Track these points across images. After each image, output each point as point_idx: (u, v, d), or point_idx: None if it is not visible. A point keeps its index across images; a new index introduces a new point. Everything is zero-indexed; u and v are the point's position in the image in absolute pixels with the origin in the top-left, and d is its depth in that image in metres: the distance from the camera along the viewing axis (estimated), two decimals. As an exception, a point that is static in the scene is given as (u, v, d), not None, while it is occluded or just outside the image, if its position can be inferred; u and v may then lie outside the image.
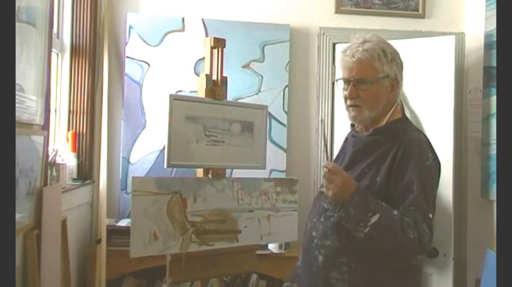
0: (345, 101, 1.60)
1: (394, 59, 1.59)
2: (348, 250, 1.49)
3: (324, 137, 2.23)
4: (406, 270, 1.50)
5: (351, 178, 1.51)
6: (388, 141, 1.53)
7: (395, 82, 1.58)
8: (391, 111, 1.60)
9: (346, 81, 1.58)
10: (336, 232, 1.50)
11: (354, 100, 1.56)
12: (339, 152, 1.74)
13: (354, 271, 1.48)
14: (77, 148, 2.93)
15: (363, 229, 1.42)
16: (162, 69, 3.15)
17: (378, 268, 1.48)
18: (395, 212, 1.44)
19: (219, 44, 2.40)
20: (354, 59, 1.55)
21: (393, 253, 1.45)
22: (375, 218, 1.41)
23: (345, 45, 1.63)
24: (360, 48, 1.55)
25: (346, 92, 1.58)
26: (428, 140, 1.59)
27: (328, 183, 1.48)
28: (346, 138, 1.77)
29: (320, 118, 3.16)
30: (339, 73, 1.64)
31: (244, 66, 3.21)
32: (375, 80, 1.54)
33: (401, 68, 1.62)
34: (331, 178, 1.47)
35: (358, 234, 1.44)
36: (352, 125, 1.71)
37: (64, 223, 2.38)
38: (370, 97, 1.55)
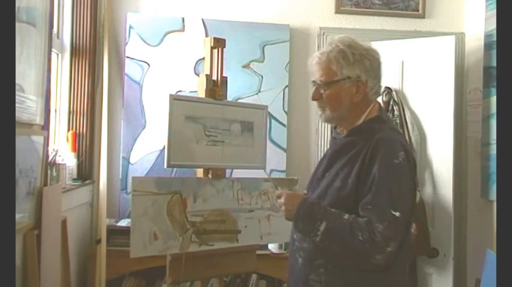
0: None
1: (358, 61, 1.58)
2: (323, 252, 1.52)
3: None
4: (385, 271, 1.48)
5: (298, 194, 1.65)
6: (361, 141, 1.54)
7: (360, 83, 1.58)
8: (367, 111, 1.60)
9: (313, 83, 1.65)
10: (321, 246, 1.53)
11: (318, 101, 1.62)
12: (323, 156, 1.77)
13: (331, 272, 1.51)
14: (77, 148, 2.93)
15: (315, 238, 1.49)
16: (162, 69, 3.15)
17: (353, 269, 1.49)
18: (346, 216, 1.46)
19: (219, 44, 2.40)
20: (315, 62, 1.61)
21: (349, 256, 1.47)
22: (322, 227, 1.47)
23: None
24: (323, 51, 1.62)
25: None
26: (403, 139, 1.61)
27: (280, 207, 1.62)
28: (331, 141, 1.82)
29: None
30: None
31: (244, 66, 3.21)
32: (333, 82, 1.57)
33: (371, 69, 1.60)
34: (280, 202, 1.62)
35: (316, 242, 1.51)
36: (335, 127, 1.74)
37: (64, 223, 2.38)
38: (330, 98, 1.58)
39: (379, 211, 1.41)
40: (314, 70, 1.61)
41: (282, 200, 1.61)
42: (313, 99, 1.62)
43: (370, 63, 1.59)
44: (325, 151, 1.83)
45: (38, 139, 2.02)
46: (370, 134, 1.53)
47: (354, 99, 1.58)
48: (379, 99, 2.96)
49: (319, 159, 3.20)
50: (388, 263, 1.43)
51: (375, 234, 1.39)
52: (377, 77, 1.61)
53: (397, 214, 1.41)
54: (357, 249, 1.42)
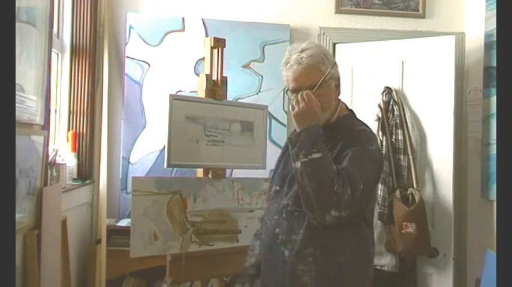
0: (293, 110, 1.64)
1: (333, 61, 1.65)
2: (312, 240, 1.54)
3: None
4: (362, 252, 1.58)
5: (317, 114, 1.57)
6: (338, 136, 1.59)
7: (338, 81, 1.66)
8: (338, 109, 1.67)
9: (298, 89, 1.61)
10: (302, 225, 1.55)
11: None
12: (287, 153, 1.72)
13: (319, 259, 1.54)
14: (77, 148, 2.93)
15: (302, 158, 1.50)
16: (162, 69, 3.15)
17: (338, 255, 1.54)
18: (335, 167, 1.51)
19: (219, 44, 2.41)
20: (301, 66, 1.59)
21: (312, 198, 1.49)
22: (317, 155, 1.49)
23: (284, 58, 1.69)
24: (304, 55, 1.60)
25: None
26: (375, 135, 1.68)
27: (300, 101, 1.55)
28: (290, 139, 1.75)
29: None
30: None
31: (244, 66, 3.21)
32: (324, 82, 1.60)
33: (338, 69, 1.68)
34: (304, 98, 1.55)
35: (296, 163, 1.52)
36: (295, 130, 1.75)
37: (64, 223, 2.38)
38: (324, 100, 1.60)
39: (352, 179, 1.48)
40: (300, 75, 1.60)
41: (308, 103, 1.54)
42: None
43: (336, 64, 1.66)
44: (282, 150, 1.80)
45: (38, 139, 2.02)
46: (344, 130, 1.60)
47: (336, 97, 1.66)
48: (380, 99, 3.00)
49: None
50: (333, 225, 1.48)
51: (343, 194, 1.45)
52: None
53: (362, 188, 1.48)
54: (325, 195, 1.46)
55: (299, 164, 1.50)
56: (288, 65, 1.64)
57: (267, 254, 1.66)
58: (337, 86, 1.65)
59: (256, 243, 1.80)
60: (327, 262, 1.54)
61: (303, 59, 1.59)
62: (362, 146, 1.55)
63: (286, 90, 1.68)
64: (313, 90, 1.57)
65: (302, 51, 1.61)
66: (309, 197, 1.49)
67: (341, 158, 1.53)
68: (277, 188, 1.68)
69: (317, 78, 1.58)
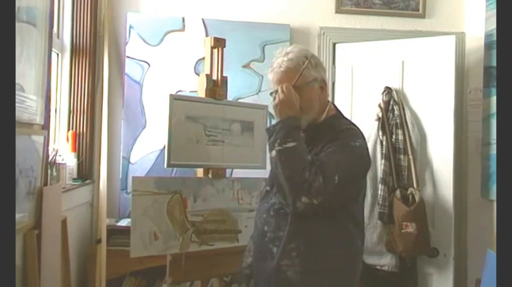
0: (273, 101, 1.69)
1: (317, 64, 1.69)
2: (295, 235, 1.57)
3: None
4: (346, 245, 1.60)
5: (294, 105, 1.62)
6: (323, 136, 1.62)
7: (324, 84, 1.69)
8: (326, 111, 1.70)
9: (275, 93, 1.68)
10: (287, 221, 1.58)
11: None
12: None
13: (303, 254, 1.56)
14: (77, 148, 2.93)
15: (277, 147, 1.54)
16: (162, 69, 3.15)
17: (322, 250, 1.57)
18: (309, 157, 1.54)
19: (219, 44, 2.41)
20: (282, 69, 1.65)
21: (287, 183, 1.51)
22: (291, 144, 1.53)
23: (273, 57, 1.74)
24: (285, 58, 1.66)
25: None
26: (361, 132, 1.69)
27: (280, 93, 1.62)
28: None
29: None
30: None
31: (244, 66, 3.21)
32: (305, 84, 1.64)
33: (325, 72, 1.73)
34: (284, 90, 1.61)
35: (271, 152, 1.56)
36: None
37: (64, 222, 2.38)
38: (305, 102, 1.64)
39: (324, 168, 1.49)
40: (281, 77, 1.66)
41: (287, 95, 1.60)
42: None
43: (323, 67, 1.72)
44: None
45: (38, 139, 2.02)
46: (331, 129, 1.63)
47: (321, 100, 1.68)
48: (380, 99, 3.00)
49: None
50: (305, 212, 1.51)
51: (314, 181, 1.47)
52: (327, 80, 1.73)
53: (338, 180, 1.49)
54: (296, 182, 1.49)
55: (274, 153, 1.55)
56: (271, 68, 1.70)
57: (257, 253, 1.70)
58: (323, 88, 1.68)
59: (252, 243, 1.82)
60: (311, 256, 1.56)
61: (284, 63, 1.65)
62: (343, 142, 1.57)
63: (270, 93, 1.73)
64: (293, 84, 1.63)
65: (285, 55, 1.67)
66: (282, 184, 1.52)
67: (321, 153, 1.56)
68: (268, 188, 1.73)
69: (299, 79, 1.63)
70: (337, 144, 1.56)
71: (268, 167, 2.67)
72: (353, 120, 1.75)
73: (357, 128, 1.69)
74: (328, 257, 1.57)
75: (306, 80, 1.64)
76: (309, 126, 1.67)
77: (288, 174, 1.50)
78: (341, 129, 1.63)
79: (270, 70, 1.70)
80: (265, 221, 1.66)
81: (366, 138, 1.71)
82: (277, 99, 1.62)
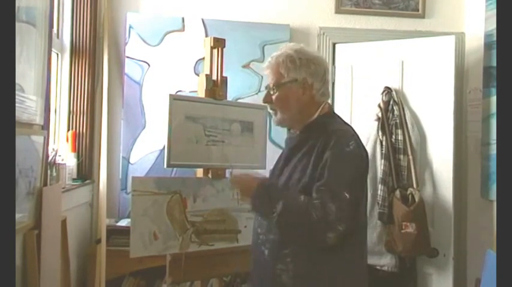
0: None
1: (304, 65, 1.67)
2: (289, 241, 1.59)
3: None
4: (342, 252, 1.57)
5: (257, 177, 1.70)
6: (315, 135, 1.63)
7: (307, 85, 1.68)
8: (318, 110, 1.70)
9: (265, 88, 1.75)
10: (278, 226, 1.60)
11: (270, 105, 1.72)
12: (279, 156, 1.84)
13: (297, 260, 1.57)
14: (77, 148, 2.93)
15: (272, 218, 1.55)
16: (162, 69, 3.15)
17: (317, 255, 1.57)
18: (302, 197, 1.54)
19: (219, 44, 2.41)
20: (266, 66, 1.72)
21: (303, 235, 1.54)
22: (279, 206, 1.53)
23: None
24: (273, 56, 1.71)
25: None
26: (355, 132, 1.69)
27: (235, 187, 1.73)
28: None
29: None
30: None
31: (244, 66, 3.21)
32: (281, 84, 1.67)
33: (317, 73, 1.69)
34: (234, 184, 1.74)
35: (271, 222, 1.58)
36: (289, 129, 1.86)
37: (64, 223, 2.38)
38: (279, 100, 1.68)
39: (331, 191, 1.50)
40: (267, 74, 1.71)
41: (238, 183, 1.70)
42: (264, 101, 1.73)
43: (315, 67, 1.69)
44: (282, 151, 1.87)
45: (38, 139, 2.02)
46: (323, 128, 1.64)
47: (301, 101, 1.68)
48: (380, 99, 3.00)
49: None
50: (339, 241, 1.50)
51: (328, 213, 1.47)
52: (323, 80, 1.70)
53: (348, 195, 1.50)
54: (312, 228, 1.50)
55: (274, 223, 1.57)
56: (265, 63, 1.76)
57: (253, 253, 1.74)
58: (305, 90, 1.67)
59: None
60: (305, 262, 1.57)
61: (269, 60, 1.71)
62: (338, 150, 1.56)
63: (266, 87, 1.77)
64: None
65: (277, 51, 1.72)
66: (303, 238, 1.55)
67: (319, 163, 1.56)
68: None
69: (275, 79, 1.68)
70: (334, 155, 1.54)
71: (268, 167, 2.68)
72: (353, 121, 1.77)
73: (349, 127, 1.70)
74: (322, 263, 1.56)
75: (282, 80, 1.66)
76: (301, 126, 1.70)
77: (300, 232, 1.53)
78: (332, 130, 1.62)
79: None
80: (259, 223, 1.69)
81: (366, 138, 1.72)
82: (239, 196, 1.73)
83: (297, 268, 1.57)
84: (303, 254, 1.57)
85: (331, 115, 1.73)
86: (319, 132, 1.63)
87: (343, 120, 1.74)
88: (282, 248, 1.59)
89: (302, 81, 1.66)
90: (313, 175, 1.56)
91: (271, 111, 1.75)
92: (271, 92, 1.69)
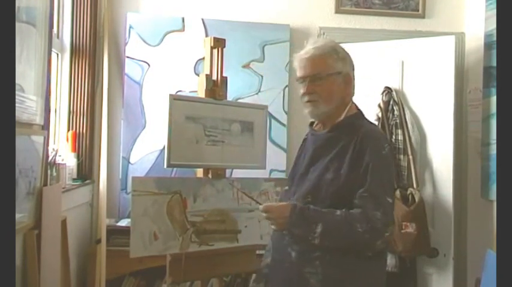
0: (302, 98, 1.68)
1: (345, 58, 1.68)
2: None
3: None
4: (372, 257, 1.57)
5: (285, 203, 1.62)
6: (347, 136, 1.62)
7: (348, 79, 1.68)
8: (347, 109, 1.68)
9: (303, 79, 1.66)
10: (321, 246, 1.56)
11: (311, 96, 1.64)
12: (299, 153, 1.81)
13: (327, 263, 1.55)
14: (77, 148, 2.93)
15: (314, 241, 1.52)
16: (162, 69, 3.15)
17: (348, 258, 1.55)
18: (338, 212, 1.52)
19: (219, 44, 2.41)
20: (308, 57, 1.65)
21: (350, 248, 1.53)
22: (319, 228, 1.51)
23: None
24: (314, 46, 1.66)
25: (302, 90, 1.67)
26: (383, 133, 1.75)
27: (270, 220, 1.61)
28: (305, 139, 1.84)
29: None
30: (297, 73, 1.70)
31: (244, 66, 3.21)
32: (328, 75, 1.63)
33: (353, 68, 1.72)
34: (267, 216, 1.61)
35: (315, 245, 1.53)
36: (311, 125, 1.80)
37: (64, 223, 2.38)
38: (325, 91, 1.63)
39: (375, 198, 1.50)
40: (305, 65, 1.65)
41: (270, 214, 1.60)
42: (307, 93, 1.65)
43: (352, 63, 1.71)
44: (300, 148, 1.84)
45: (38, 139, 2.02)
46: (353, 128, 1.62)
47: (343, 95, 1.66)
48: (380, 99, 3.00)
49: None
50: (385, 246, 1.54)
51: (374, 222, 1.48)
52: (354, 77, 1.71)
53: (390, 200, 1.53)
54: (358, 240, 1.50)
55: (317, 243, 1.52)
56: (299, 54, 1.68)
57: (275, 254, 1.68)
58: (347, 83, 1.67)
59: (271, 244, 1.81)
60: (335, 265, 1.54)
61: (310, 50, 1.64)
62: (377, 155, 1.56)
63: (296, 80, 1.71)
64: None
65: (314, 43, 1.67)
66: (350, 250, 1.53)
67: (357, 167, 1.54)
68: (287, 187, 1.73)
69: (320, 69, 1.62)
70: (374, 161, 1.54)
71: (268, 167, 2.68)
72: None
73: (377, 127, 1.71)
74: (352, 267, 1.55)
75: (329, 71, 1.62)
76: (330, 125, 1.66)
77: (346, 246, 1.52)
78: (365, 132, 1.61)
79: (297, 56, 1.69)
80: None
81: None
82: (274, 226, 1.61)
83: (326, 271, 1.54)
84: (332, 257, 1.54)
85: (360, 115, 1.71)
86: (350, 132, 1.61)
87: (370, 121, 1.74)
88: (312, 251, 1.56)
89: (344, 75, 1.65)
90: (349, 177, 1.54)
91: (308, 103, 1.66)
92: (318, 82, 1.62)
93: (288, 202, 1.63)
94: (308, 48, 1.66)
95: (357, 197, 1.52)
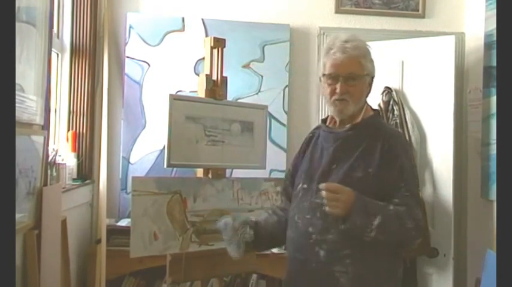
0: (330, 96, 1.65)
1: (372, 60, 1.69)
2: (351, 241, 1.53)
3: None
4: (397, 256, 1.62)
5: (348, 188, 1.52)
6: (370, 135, 1.62)
7: (371, 82, 1.70)
8: (364, 108, 1.70)
9: (335, 76, 1.62)
10: (337, 225, 1.54)
11: (343, 95, 1.61)
12: (308, 149, 1.75)
13: (357, 262, 1.54)
14: (77, 148, 2.93)
15: (369, 234, 1.49)
16: (162, 69, 3.15)
17: (376, 256, 1.55)
18: (391, 207, 1.52)
19: (219, 44, 2.40)
20: (345, 55, 1.60)
21: (398, 244, 1.58)
22: (377, 221, 1.48)
23: (326, 46, 1.69)
24: (349, 46, 1.62)
25: (335, 87, 1.63)
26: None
27: (332, 201, 1.48)
28: (313, 135, 1.80)
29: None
30: (325, 69, 1.67)
31: (244, 66, 3.21)
32: (362, 76, 1.64)
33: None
34: (335, 196, 1.49)
35: (365, 238, 1.50)
36: (323, 121, 1.77)
37: (64, 223, 2.38)
38: (357, 92, 1.63)
39: (416, 198, 1.57)
40: (341, 63, 1.61)
41: (340, 195, 1.48)
42: (341, 92, 1.61)
43: (374, 65, 1.71)
44: (308, 143, 1.78)
45: (38, 139, 2.02)
46: (375, 128, 1.64)
47: (365, 96, 1.69)
48: (380, 99, 3.00)
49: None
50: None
51: (418, 220, 1.53)
52: None
53: (421, 198, 1.63)
54: (407, 237, 1.54)
55: (369, 239, 1.50)
56: (331, 51, 1.63)
57: (297, 254, 1.64)
58: (370, 85, 1.69)
59: (272, 218, 1.81)
60: (364, 263, 1.54)
61: (348, 49, 1.61)
62: (408, 154, 1.63)
63: (323, 75, 1.67)
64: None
65: (346, 41, 1.63)
66: (392, 246, 1.57)
67: (391, 166, 1.56)
68: (305, 186, 1.66)
69: (355, 69, 1.61)
70: (408, 160, 1.60)
71: (268, 167, 2.68)
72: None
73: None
74: (380, 265, 1.56)
75: (362, 72, 1.63)
76: (349, 124, 1.65)
77: (396, 240, 1.55)
78: (389, 131, 1.67)
79: (329, 53, 1.63)
80: (309, 222, 1.60)
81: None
82: (338, 209, 1.48)
83: (356, 269, 1.53)
84: (362, 255, 1.54)
85: (379, 115, 1.76)
86: (373, 132, 1.62)
87: (387, 122, 1.79)
88: (342, 249, 1.54)
89: (372, 75, 1.68)
90: (380, 176, 1.55)
91: (337, 101, 1.62)
92: (352, 82, 1.61)
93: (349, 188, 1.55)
94: (343, 46, 1.61)
95: (399, 196, 1.53)
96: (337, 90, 1.61)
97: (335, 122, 1.72)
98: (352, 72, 1.61)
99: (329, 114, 1.77)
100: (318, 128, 1.81)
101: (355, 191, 1.50)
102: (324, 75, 1.66)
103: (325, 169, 1.63)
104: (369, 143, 1.60)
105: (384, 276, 1.57)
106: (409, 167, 1.59)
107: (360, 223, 1.48)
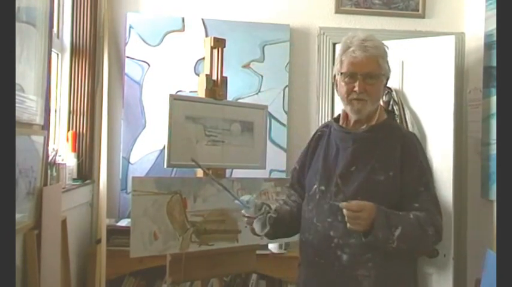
0: (347, 95, 1.62)
1: (388, 61, 1.68)
2: (371, 246, 1.52)
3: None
4: (415, 259, 1.69)
5: (368, 203, 1.50)
6: (388, 137, 1.63)
7: (387, 82, 1.69)
8: (379, 109, 1.69)
9: (353, 75, 1.60)
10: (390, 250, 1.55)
11: (362, 94, 1.59)
12: (325, 148, 1.71)
13: (379, 265, 1.54)
14: (77, 148, 2.93)
15: (391, 245, 1.50)
16: (162, 69, 3.15)
17: (397, 260, 1.57)
18: (411, 215, 1.53)
19: (219, 44, 2.41)
20: (365, 54, 1.59)
21: (420, 251, 1.68)
22: (398, 232, 1.48)
23: (343, 44, 1.67)
24: (369, 44, 1.61)
25: (353, 85, 1.60)
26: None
27: (356, 219, 1.47)
28: (322, 133, 1.76)
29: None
30: (342, 67, 1.65)
31: (244, 66, 3.21)
32: (379, 75, 1.62)
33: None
34: (358, 215, 1.47)
35: (387, 249, 1.52)
36: (336, 120, 1.74)
37: (64, 223, 2.38)
38: (375, 91, 1.62)
39: (435, 202, 1.58)
40: (360, 62, 1.59)
41: (362, 213, 1.46)
42: (360, 91, 1.59)
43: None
44: (325, 142, 1.74)
45: (38, 139, 2.02)
46: (392, 130, 1.66)
47: (381, 95, 1.71)
48: (379, 99, 2.99)
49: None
50: None
51: (438, 226, 1.54)
52: None
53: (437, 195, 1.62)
54: (428, 243, 1.57)
55: (391, 249, 1.51)
56: (351, 49, 1.62)
57: (317, 258, 1.62)
58: (385, 85, 1.69)
59: (284, 207, 1.81)
60: (386, 267, 1.54)
61: (368, 48, 1.60)
62: (425, 157, 1.66)
63: (340, 73, 1.64)
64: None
65: (365, 40, 1.63)
66: (414, 252, 1.64)
67: (412, 169, 1.58)
68: (322, 187, 1.63)
69: (373, 69, 1.60)
70: (427, 164, 1.64)
71: (268, 167, 2.68)
72: (353, 121, 1.75)
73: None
74: (402, 269, 1.59)
75: (380, 71, 1.62)
76: (365, 124, 1.65)
77: (418, 248, 1.60)
78: (406, 134, 1.70)
79: (348, 50, 1.62)
80: (330, 226, 1.58)
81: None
82: (361, 227, 1.47)
83: (379, 273, 1.53)
84: (384, 258, 1.54)
85: (393, 118, 1.80)
86: (390, 134, 1.63)
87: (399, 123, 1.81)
88: (364, 253, 1.53)
89: (386, 76, 1.67)
90: (402, 179, 1.56)
91: (355, 100, 1.61)
92: (371, 81, 1.59)
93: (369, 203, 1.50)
94: (362, 45, 1.61)
95: (419, 201, 1.55)
96: (356, 89, 1.59)
97: (347, 121, 1.70)
98: (370, 71, 1.59)
99: (341, 113, 1.74)
100: (326, 126, 1.78)
101: (375, 203, 1.49)
102: (341, 73, 1.63)
103: (343, 172, 1.60)
104: (387, 145, 1.60)
105: (404, 279, 1.59)
106: (427, 170, 1.62)
107: (382, 236, 1.48)
